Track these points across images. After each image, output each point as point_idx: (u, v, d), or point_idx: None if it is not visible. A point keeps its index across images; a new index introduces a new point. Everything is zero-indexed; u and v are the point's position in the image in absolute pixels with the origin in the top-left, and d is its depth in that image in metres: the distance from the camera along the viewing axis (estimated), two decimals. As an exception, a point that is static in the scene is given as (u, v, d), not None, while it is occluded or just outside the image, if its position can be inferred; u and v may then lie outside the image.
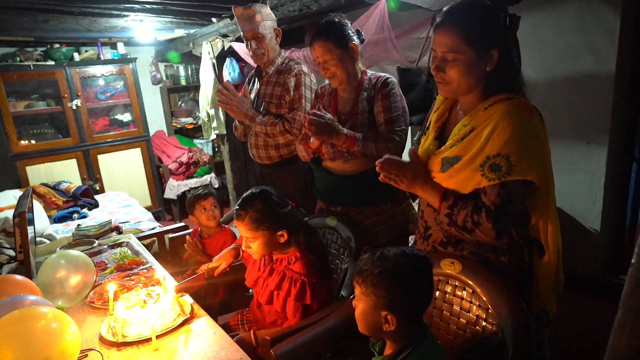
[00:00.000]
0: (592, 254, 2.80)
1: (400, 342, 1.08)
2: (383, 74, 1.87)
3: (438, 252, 1.35)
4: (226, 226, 2.43)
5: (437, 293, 1.33)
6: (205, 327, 1.42)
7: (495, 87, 1.22)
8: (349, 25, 1.84)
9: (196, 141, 5.71)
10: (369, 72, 1.91)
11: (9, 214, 2.97)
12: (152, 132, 5.38)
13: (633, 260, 0.46)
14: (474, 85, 1.23)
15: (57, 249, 2.01)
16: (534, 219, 1.25)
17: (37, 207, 3.49)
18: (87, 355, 1.30)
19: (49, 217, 3.68)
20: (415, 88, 2.47)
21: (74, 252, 1.71)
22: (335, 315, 1.48)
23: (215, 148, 5.68)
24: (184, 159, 5.18)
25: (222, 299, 2.04)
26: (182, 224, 2.53)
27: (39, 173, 4.45)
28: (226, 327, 1.69)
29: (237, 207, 1.54)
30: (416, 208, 1.99)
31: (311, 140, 1.88)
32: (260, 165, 2.48)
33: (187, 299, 1.56)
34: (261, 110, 2.38)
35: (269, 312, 1.64)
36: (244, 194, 1.58)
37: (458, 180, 1.23)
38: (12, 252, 2.65)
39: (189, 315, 1.47)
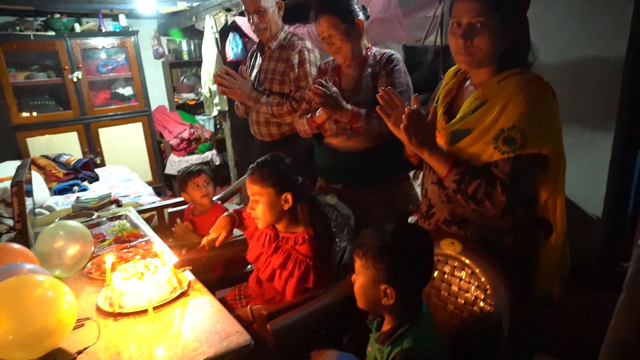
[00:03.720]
0: (592, 241, 2.79)
1: (399, 318, 1.09)
2: (388, 50, 1.84)
3: (439, 232, 1.34)
4: (219, 203, 2.41)
5: (436, 273, 1.33)
6: (203, 300, 1.42)
7: (510, 61, 1.20)
8: (356, 0, 1.80)
9: (198, 117, 5.66)
10: (374, 49, 1.87)
11: (9, 184, 2.96)
12: (153, 107, 5.33)
13: None
14: (494, 58, 1.20)
15: (56, 220, 2.01)
16: (544, 196, 1.23)
17: (38, 178, 3.49)
18: (83, 324, 1.30)
19: (50, 189, 3.68)
20: (421, 67, 2.44)
21: (73, 223, 1.70)
22: (333, 292, 1.47)
23: (217, 125, 5.64)
24: (186, 135, 5.14)
25: (220, 275, 2.04)
26: (182, 198, 2.53)
27: (39, 145, 4.42)
28: (223, 302, 1.66)
29: (251, 165, 1.56)
30: (417, 189, 1.99)
31: (317, 113, 1.86)
32: (261, 142, 2.46)
33: (187, 274, 1.56)
34: (263, 86, 2.34)
35: (268, 288, 1.64)
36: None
37: (469, 153, 1.21)
38: (11, 222, 2.65)
39: (186, 288, 1.47)
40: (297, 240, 1.55)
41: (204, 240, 1.77)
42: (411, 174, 2.00)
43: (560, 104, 1.21)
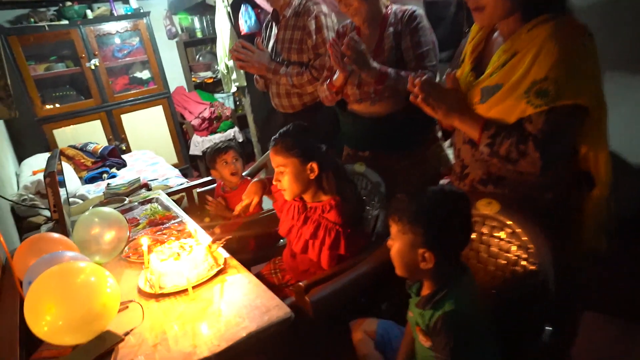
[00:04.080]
0: (635, 191, 2.68)
1: (438, 282, 1.08)
2: (409, 7, 1.76)
3: (475, 192, 1.30)
4: (248, 178, 2.42)
5: (474, 235, 1.30)
6: (240, 277, 1.44)
7: (538, 6, 1.12)
8: None
9: (217, 95, 5.64)
10: (394, 6, 1.80)
11: (42, 176, 3.04)
12: (172, 88, 5.34)
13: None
14: (511, 7, 1.12)
15: (90, 207, 2.06)
16: (584, 148, 1.17)
17: (68, 169, 3.58)
18: (127, 307, 1.34)
19: (80, 178, 3.78)
20: (443, 22, 2.35)
21: (107, 209, 1.74)
22: (370, 260, 1.47)
23: (236, 101, 5.63)
24: (206, 114, 5.15)
25: (254, 252, 2.07)
26: (210, 178, 2.55)
27: (65, 136, 4.52)
28: (259, 277, 1.71)
29: (274, 137, 1.55)
30: (447, 151, 1.94)
31: (335, 77, 1.81)
32: (283, 115, 2.43)
33: (222, 252, 1.58)
34: (281, 57, 2.30)
35: (302, 261, 1.65)
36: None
37: (500, 110, 1.15)
38: (48, 213, 2.75)
39: (222, 266, 1.50)
40: (325, 208, 1.54)
41: (238, 208, 1.79)
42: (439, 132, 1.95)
43: (597, 46, 1.13)
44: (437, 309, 1.05)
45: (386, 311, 1.54)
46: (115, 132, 4.82)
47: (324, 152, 1.55)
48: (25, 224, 2.68)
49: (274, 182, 1.60)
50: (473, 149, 1.28)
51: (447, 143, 2.00)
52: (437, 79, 1.86)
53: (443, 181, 1.94)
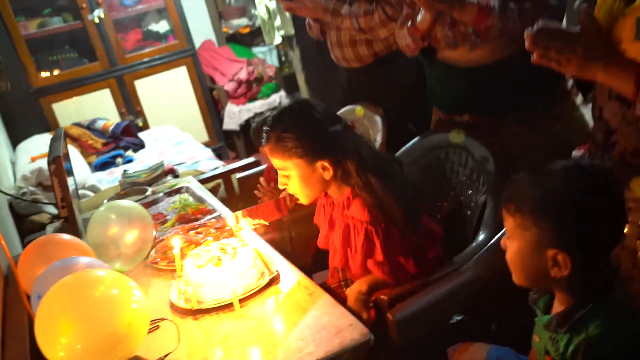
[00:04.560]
0: None
1: (577, 295, 1.05)
2: None
3: (628, 168, 1.25)
4: None
5: (627, 228, 1.24)
6: (299, 287, 1.47)
7: None
8: None
9: (256, 50, 5.76)
10: None
11: (43, 163, 3.24)
12: (197, 44, 5.48)
13: None
14: None
15: (104, 201, 2.13)
16: None
17: (74, 153, 3.81)
18: (158, 326, 1.40)
19: (89, 164, 4.02)
20: None
21: (125, 203, 1.81)
22: (474, 266, 1.47)
23: (281, 56, 5.69)
24: (243, 75, 5.28)
25: (315, 254, 2.05)
26: (252, 159, 2.61)
27: (68, 111, 4.81)
28: (324, 288, 1.67)
29: (261, 125, 1.59)
30: (582, 111, 1.87)
31: (419, 18, 1.80)
32: (348, 71, 2.45)
33: (272, 254, 1.62)
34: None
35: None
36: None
37: None
38: (54, 210, 2.92)
39: (275, 273, 1.52)
40: (345, 204, 1.56)
41: (284, 194, 1.83)
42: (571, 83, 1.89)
43: None
44: (577, 333, 1.02)
45: (498, 333, 1.54)
46: (129, 103, 5.05)
47: (339, 136, 1.54)
48: (26, 223, 2.88)
49: (279, 186, 1.64)
50: (624, 107, 1.23)
51: (580, 99, 1.92)
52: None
53: (577, 152, 1.89)
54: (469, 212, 1.79)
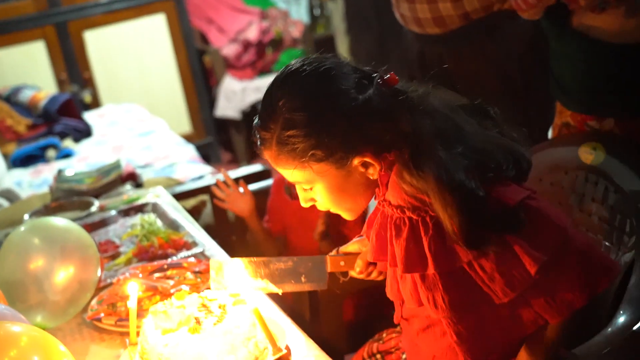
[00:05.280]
0: None
1: None
2: None
3: None
4: None
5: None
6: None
7: None
8: None
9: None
10: None
11: None
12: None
13: None
14: None
15: (25, 216, 2.04)
16: None
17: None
18: None
19: (4, 156, 3.45)
20: None
21: (58, 223, 1.64)
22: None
23: (312, 9, 4.99)
24: (252, 34, 4.62)
25: (352, 321, 1.96)
26: (260, 166, 2.29)
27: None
28: None
29: (255, 122, 1.28)
30: None
31: None
32: (420, 40, 2.18)
33: (281, 319, 1.44)
34: None
35: (430, 337, 1.28)
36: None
37: None
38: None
39: (284, 352, 1.33)
40: (382, 192, 1.30)
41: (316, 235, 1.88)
42: None
43: None
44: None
45: None
46: (73, 66, 4.39)
47: (378, 103, 1.18)
48: None
49: (302, 203, 1.38)
50: None
51: None
52: None
53: None
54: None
